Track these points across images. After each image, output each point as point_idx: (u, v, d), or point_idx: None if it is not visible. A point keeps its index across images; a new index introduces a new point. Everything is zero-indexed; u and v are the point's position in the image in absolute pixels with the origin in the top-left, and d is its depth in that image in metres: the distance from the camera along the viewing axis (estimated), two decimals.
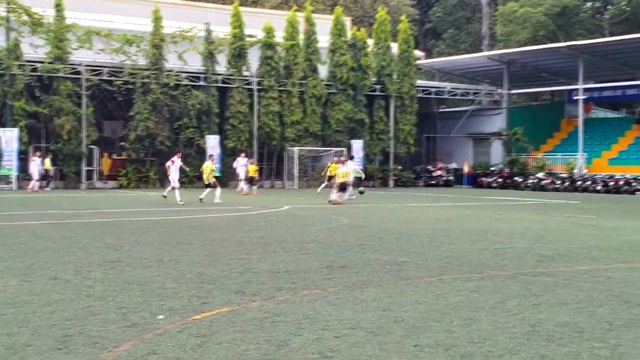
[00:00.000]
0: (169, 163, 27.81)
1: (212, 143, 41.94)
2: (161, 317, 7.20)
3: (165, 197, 27.16)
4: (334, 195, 27.59)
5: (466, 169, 49.61)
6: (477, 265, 11.02)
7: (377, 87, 47.97)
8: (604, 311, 7.73)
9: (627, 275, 10.23)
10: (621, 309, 7.85)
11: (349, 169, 28.72)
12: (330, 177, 31.45)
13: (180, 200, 25.92)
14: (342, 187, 27.69)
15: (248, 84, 44.28)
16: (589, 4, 66.60)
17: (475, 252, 12.72)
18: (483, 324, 7.04)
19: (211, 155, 32.40)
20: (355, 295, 8.47)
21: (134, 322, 6.98)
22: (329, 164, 33.01)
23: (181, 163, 28.40)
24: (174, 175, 27.24)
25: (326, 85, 46.36)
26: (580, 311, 7.72)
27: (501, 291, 8.83)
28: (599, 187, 41.27)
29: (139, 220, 19.05)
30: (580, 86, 47.14)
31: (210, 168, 28.55)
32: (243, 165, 35.82)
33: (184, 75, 42.36)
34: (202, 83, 43.16)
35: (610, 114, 55.93)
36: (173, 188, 27.03)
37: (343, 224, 18.31)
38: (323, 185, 34.00)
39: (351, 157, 34.65)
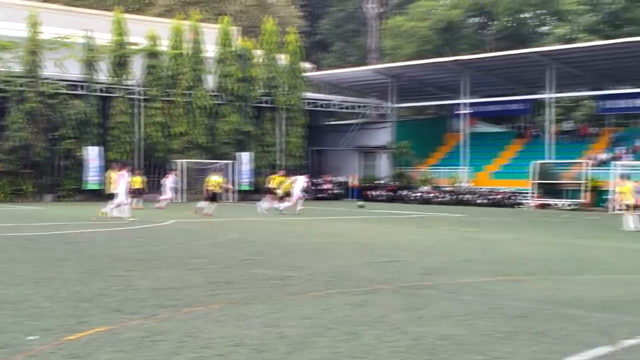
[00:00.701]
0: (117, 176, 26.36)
1: (93, 155, 40.86)
2: (33, 337, 6.95)
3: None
4: (202, 204, 28.42)
5: (352, 181, 50.36)
6: (363, 279, 11.18)
7: (266, 98, 48.06)
8: (485, 324, 7.99)
9: (507, 287, 10.62)
10: (501, 321, 8.14)
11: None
12: (271, 190, 31.88)
13: (129, 217, 25.18)
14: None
15: (131, 93, 43.45)
16: (473, 20, 69.03)
17: (362, 265, 12.91)
18: (367, 338, 7.15)
19: (219, 170, 32.57)
20: (240, 311, 8.43)
21: (4, 343, 6.70)
22: (273, 177, 33.12)
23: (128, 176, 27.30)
24: (121, 189, 26.03)
25: (214, 96, 46.04)
26: (462, 324, 7.95)
27: (386, 305, 8.99)
28: (481, 201, 42.74)
29: (13, 236, 18.32)
30: (464, 101, 48.75)
31: (217, 182, 29.12)
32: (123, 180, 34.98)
33: (62, 83, 41.12)
34: (82, 92, 42.02)
35: (493, 129, 58.05)
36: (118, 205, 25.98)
37: (230, 239, 18.21)
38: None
39: (302, 173, 34.94)
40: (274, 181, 32.14)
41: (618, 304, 9.26)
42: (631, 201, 25.04)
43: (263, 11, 66.03)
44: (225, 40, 46.65)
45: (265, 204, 31.42)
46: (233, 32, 48.62)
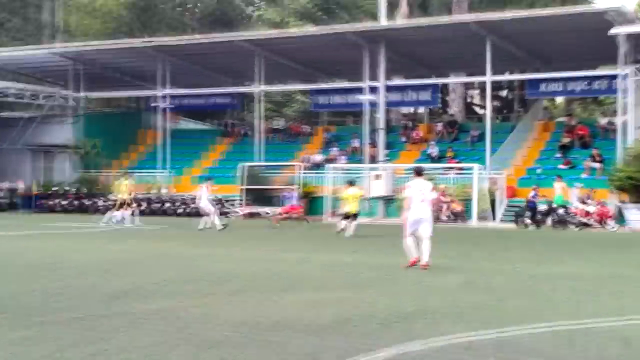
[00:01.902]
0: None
1: None
2: None
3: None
4: None
5: (21, 187, 48.07)
6: (33, 309, 10.82)
7: None
8: (177, 355, 8.10)
9: (205, 311, 10.83)
10: (191, 353, 8.26)
11: None
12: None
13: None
14: None
15: None
16: (175, 1, 69.38)
17: (25, 293, 12.46)
18: None
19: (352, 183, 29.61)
20: None
21: None
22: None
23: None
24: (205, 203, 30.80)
25: None
26: (151, 357, 7.99)
27: (57, 340, 8.78)
28: (183, 210, 42.97)
29: None
30: (162, 92, 48.81)
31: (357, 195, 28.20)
32: None
33: None
34: None
35: (196, 125, 58.84)
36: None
37: None
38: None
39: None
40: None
41: (324, 327, 9.80)
42: (353, 209, 27.42)
43: None
44: None
45: None
46: None
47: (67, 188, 48.29)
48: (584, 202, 35.14)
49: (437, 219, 35.49)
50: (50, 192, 47.85)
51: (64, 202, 46.50)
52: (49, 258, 18.24)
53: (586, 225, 34.27)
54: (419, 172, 17.51)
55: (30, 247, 21.63)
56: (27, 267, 16.26)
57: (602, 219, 34.46)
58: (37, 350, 8.26)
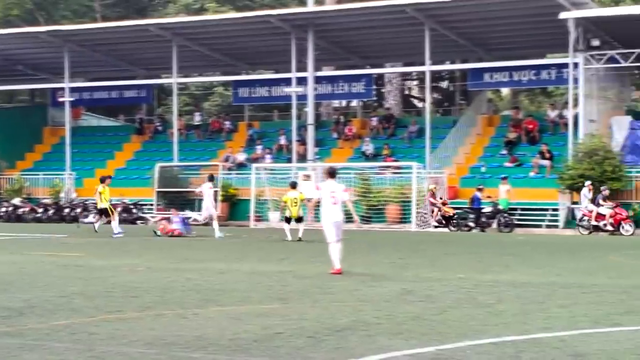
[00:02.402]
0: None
1: None
2: None
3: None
4: None
5: None
6: None
7: None
8: None
9: (115, 328, 10.70)
10: None
11: None
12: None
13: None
14: None
15: None
16: None
17: None
18: None
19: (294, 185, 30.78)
20: None
21: None
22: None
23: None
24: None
25: None
26: None
27: None
28: (91, 217, 42.38)
29: None
30: (65, 85, 48.09)
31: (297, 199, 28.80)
32: None
33: None
34: None
35: (105, 122, 58.22)
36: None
37: None
38: None
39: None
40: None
41: (247, 343, 9.77)
42: (294, 213, 28.44)
43: None
44: None
45: None
46: None
47: None
48: (597, 204, 34.50)
49: (425, 223, 36.11)
50: None
51: None
52: None
53: (598, 229, 34.11)
54: (331, 174, 18.21)
55: None
56: None
57: (617, 222, 34.07)
58: None
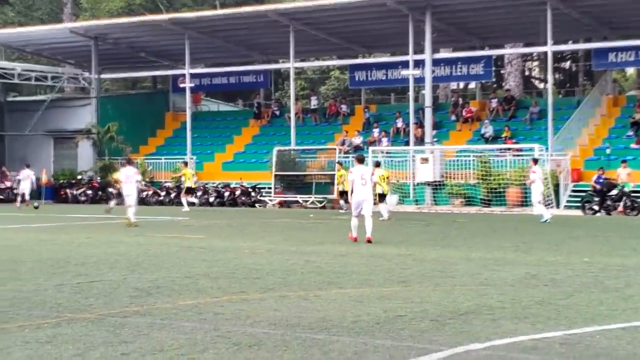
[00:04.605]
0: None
1: None
2: None
3: None
4: None
5: (44, 178, 48.60)
6: (53, 307, 10.96)
7: None
8: (208, 357, 8.13)
9: (239, 309, 10.86)
10: (228, 353, 8.31)
11: None
12: None
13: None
14: None
15: None
16: None
17: (51, 289, 12.63)
18: None
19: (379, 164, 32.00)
20: None
21: None
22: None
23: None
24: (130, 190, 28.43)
25: None
26: (180, 359, 8.03)
27: (82, 339, 8.88)
28: (212, 199, 43.22)
29: None
30: (187, 71, 48.96)
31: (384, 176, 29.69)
32: None
33: None
34: None
35: (224, 107, 59.04)
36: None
37: None
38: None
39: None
40: None
41: (369, 325, 9.79)
42: (385, 190, 29.80)
43: None
44: None
45: None
46: None
47: (87, 176, 48.85)
48: None
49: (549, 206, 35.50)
50: (72, 181, 48.38)
51: (88, 192, 46.98)
52: (69, 252, 18.40)
53: None
54: (360, 160, 21.57)
55: (46, 239, 21.83)
56: (43, 261, 16.40)
57: None
58: (59, 352, 8.34)
